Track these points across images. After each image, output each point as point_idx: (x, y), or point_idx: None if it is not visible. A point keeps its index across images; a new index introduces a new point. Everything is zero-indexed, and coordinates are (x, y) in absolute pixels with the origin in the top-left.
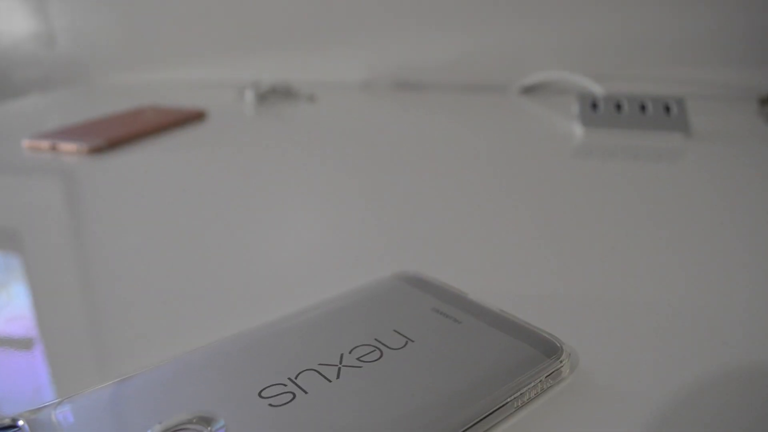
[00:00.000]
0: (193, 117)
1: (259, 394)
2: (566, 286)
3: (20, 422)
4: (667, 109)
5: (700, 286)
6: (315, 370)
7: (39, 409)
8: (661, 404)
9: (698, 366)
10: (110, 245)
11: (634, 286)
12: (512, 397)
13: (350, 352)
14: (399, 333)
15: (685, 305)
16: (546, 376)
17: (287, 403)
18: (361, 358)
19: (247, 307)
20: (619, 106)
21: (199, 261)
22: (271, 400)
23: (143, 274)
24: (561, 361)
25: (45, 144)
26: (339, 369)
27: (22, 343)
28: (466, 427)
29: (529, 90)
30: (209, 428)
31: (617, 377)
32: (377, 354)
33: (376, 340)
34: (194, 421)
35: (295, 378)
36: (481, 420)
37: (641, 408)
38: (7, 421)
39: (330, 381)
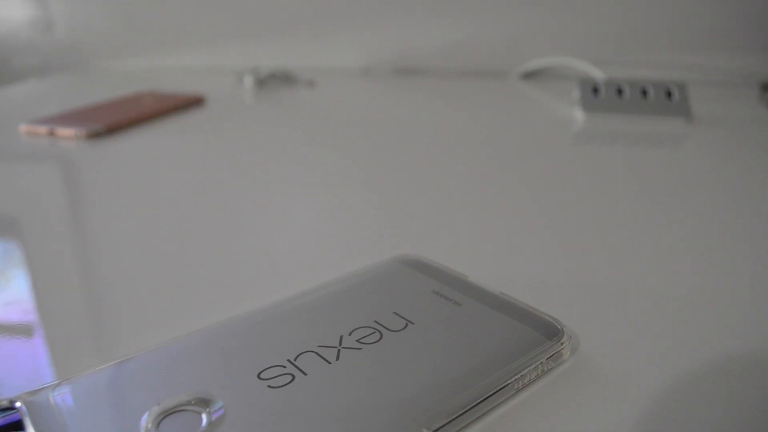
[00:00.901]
0: (192, 102)
1: (258, 376)
2: (567, 270)
3: (17, 404)
4: (669, 94)
5: (702, 270)
6: (314, 352)
7: (37, 391)
8: (662, 388)
9: (700, 350)
10: (109, 230)
11: (636, 270)
12: (513, 379)
13: (350, 334)
14: (399, 315)
15: (687, 290)
16: (547, 358)
17: (286, 384)
18: (360, 340)
19: (247, 291)
20: (620, 91)
21: (198, 245)
22: (270, 382)
23: (142, 258)
24: (562, 344)
25: (42, 129)
26: (339, 351)
27: (21, 327)
28: (466, 409)
29: (530, 75)
30: (208, 409)
31: (618, 360)
32: (377, 336)
33: (375, 322)
34: (192, 402)
35: (295, 360)
36: (482, 401)
37: (642, 391)
38: (4, 403)
39: (329, 363)
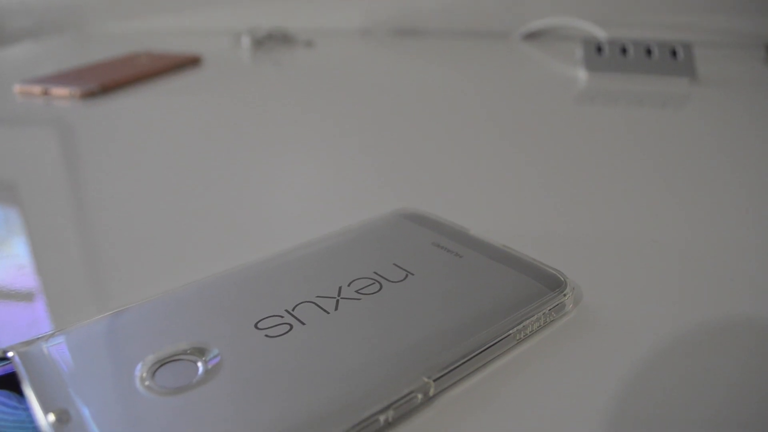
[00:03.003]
0: (188, 62)
1: (255, 326)
2: (570, 226)
3: (10, 354)
4: (674, 53)
5: (706, 226)
6: (312, 303)
7: (30, 341)
8: (664, 341)
9: (704, 303)
10: (104, 188)
11: (639, 226)
12: (514, 329)
13: (349, 285)
14: (399, 266)
15: (690, 244)
16: (549, 309)
17: (284, 334)
18: (360, 291)
19: (245, 246)
20: (624, 50)
21: (195, 202)
22: (268, 331)
23: (139, 214)
24: (565, 295)
25: (37, 89)
26: (337, 301)
27: (18, 282)
28: (467, 358)
29: (532, 36)
30: (203, 358)
31: (621, 313)
32: (376, 287)
33: (375, 273)
34: (188, 351)
35: (293, 310)
36: (483, 351)
37: (644, 344)
38: None
39: (328, 313)
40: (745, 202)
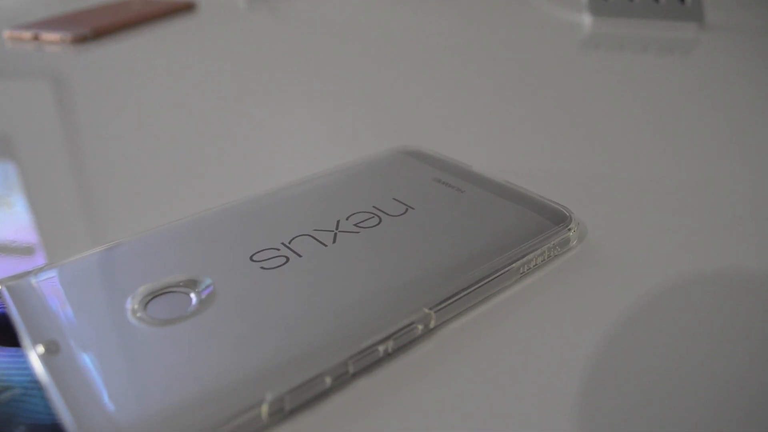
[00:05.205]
0: (182, 8)
1: (251, 258)
2: (574, 166)
3: None
4: None
5: (711, 168)
6: (310, 236)
7: (19, 275)
8: (669, 277)
9: (709, 240)
10: (98, 132)
11: (645, 166)
12: (518, 262)
13: (347, 219)
14: (398, 201)
15: (697, 183)
16: (554, 244)
17: (280, 266)
18: (358, 224)
19: (243, 184)
20: None
21: (191, 144)
22: (263, 263)
23: (134, 156)
24: (570, 229)
25: (27, 35)
26: (335, 234)
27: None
28: (468, 290)
29: None
30: (197, 290)
31: (626, 250)
32: (376, 220)
33: (374, 207)
34: (181, 283)
35: (289, 243)
36: (486, 283)
37: (649, 280)
38: None
39: (326, 246)
40: (750, 146)
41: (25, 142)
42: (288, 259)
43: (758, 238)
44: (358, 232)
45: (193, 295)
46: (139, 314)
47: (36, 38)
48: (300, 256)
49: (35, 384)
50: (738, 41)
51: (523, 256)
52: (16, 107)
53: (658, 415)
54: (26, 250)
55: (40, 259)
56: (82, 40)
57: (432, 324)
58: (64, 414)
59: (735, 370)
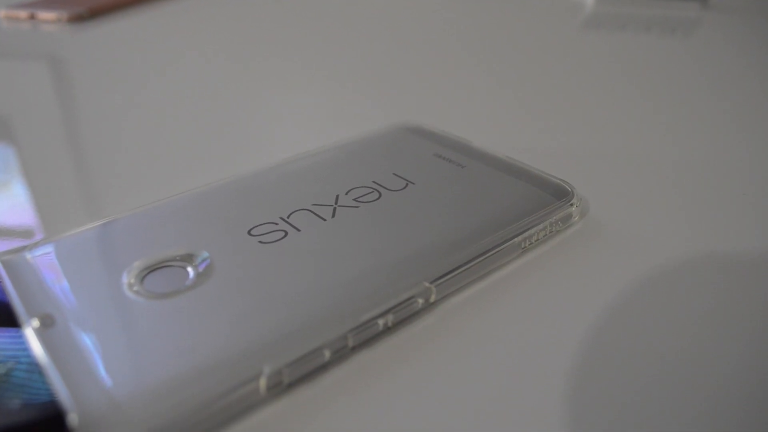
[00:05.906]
0: None
1: (249, 232)
2: (576, 144)
3: None
4: None
5: (713, 145)
6: (308, 210)
7: (15, 249)
8: (672, 252)
9: (713, 216)
10: (95, 110)
11: (647, 144)
12: (519, 237)
13: (346, 194)
14: (398, 176)
15: (700, 161)
16: (556, 219)
17: (278, 240)
18: (357, 199)
19: (242, 160)
20: None
21: (191, 120)
22: (261, 238)
23: (131, 134)
24: (572, 205)
25: (23, 14)
26: (334, 209)
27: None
28: (469, 264)
29: None
30: (194, 264)
31: (629, 226)
32: (375, 195)
33: (374, 182)
34: (178, 258)
35: (287, 217)
36: (487, 257)
37: (651, 258)
38: None
39: (325, 220)
40: (754, 125)
41: (21, 120)
42: (286, 234)
43: (763, 215)
44: (357, 207)
45: (190, 269)
46: (135, 288)
47: (32, 17)
48: (298, 230)
49: (31, 358)
50: (741, 20)
51: (525, 231)
52: (12, 87)
53: (658, 391)
54: (23, 226)
55: (36, 235)
56: (78, 18)
57: (432, 298)
58: (60, 388)
59: (736, 350)
